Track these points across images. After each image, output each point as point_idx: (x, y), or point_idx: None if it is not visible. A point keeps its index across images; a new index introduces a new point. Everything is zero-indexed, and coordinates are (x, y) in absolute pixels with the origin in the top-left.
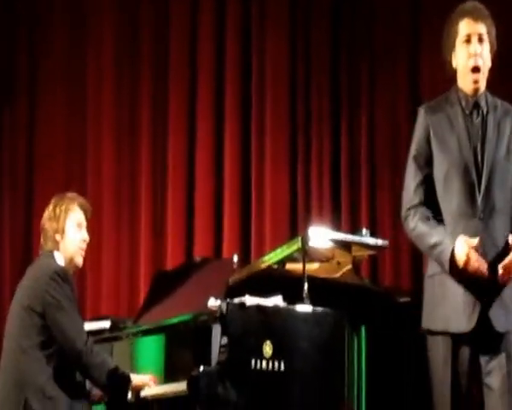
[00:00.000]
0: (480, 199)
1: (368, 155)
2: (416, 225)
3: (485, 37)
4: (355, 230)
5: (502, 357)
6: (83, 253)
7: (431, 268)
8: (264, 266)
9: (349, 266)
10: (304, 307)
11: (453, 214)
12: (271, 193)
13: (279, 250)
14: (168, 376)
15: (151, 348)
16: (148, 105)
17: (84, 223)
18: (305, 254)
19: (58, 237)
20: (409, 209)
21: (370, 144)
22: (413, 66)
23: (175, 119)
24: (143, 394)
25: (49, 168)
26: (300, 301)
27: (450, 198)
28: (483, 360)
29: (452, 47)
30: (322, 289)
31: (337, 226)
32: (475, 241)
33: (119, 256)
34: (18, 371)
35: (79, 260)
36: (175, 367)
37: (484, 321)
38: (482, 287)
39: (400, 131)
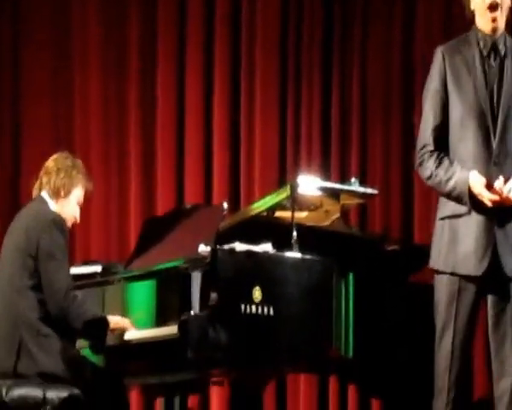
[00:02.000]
0: (495, 144)
1: (359, 103)
2: (432, 172)
3: None
4: (345, 179)
5: (511, 301)
6: (69, 226)
7: (443, 211)
8: (253, 213)
9: (337, 215)
10: (293, 254)
11: (468, 159)
12: (261, 141)
13: (268, 198)
14: (159, 320)
15: (142, 293)
16: (137, 45)
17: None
18: (294, 201)
19: (62, 193)
20: (423, 155)
21: (361, 93)
22: (408, 16)
23: (164, 67)
24: (137, 336)
25: (35, 112)
26: (289, 248)
27: (465, 142)
28: (491, 302)
29: None
30: (310, 237)
31: (327, 175)
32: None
33: (109, 202)
34: (12, 309)
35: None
36: (166, 312)
37: (494, 265)
38: (497, 221)
39: (392, 80)
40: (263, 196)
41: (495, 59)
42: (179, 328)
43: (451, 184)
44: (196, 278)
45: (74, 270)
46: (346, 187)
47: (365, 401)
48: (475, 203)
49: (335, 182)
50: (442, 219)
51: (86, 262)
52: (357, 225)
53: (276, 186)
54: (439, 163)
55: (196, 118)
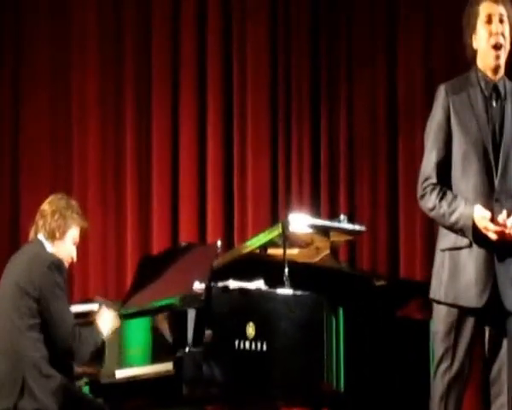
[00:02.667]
0: (497, 181)
1: (347, 142)
2: (435, 205)
3: (505, 18)
4: (334, 216)
5: (509, 336)
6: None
7: (443, 243)
8: (246, 250)
9: (327, 251)
10: (284, 290)
11: (470, 194)
12: (253, 180)
13: (261, 236)
14: (155, 356)
15: (138, 330)
16: (132, 89)
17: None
18: (286, 239)
19: (57, 234)
20: (426, 187)
21: (350, 132)
22: (391, 57)
23: (158, 114)
24: (132, 373)
25: (35, 160)
26: (281, 284)
27: (467, 179)
28: (488, 336)
29: (473, 29)
30: (301, 273)
31: (316, 212)
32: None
33: (106, 241)
34: (13, 349)
35: None
36: (162, 348)
37: (494, 298)
38: (497, 255)
39: (378, 119)
40: (255, 234)
41: (496, 100)
42: (174, 365)
43: (455, 216)
44: (191, 315)
45: (73, 308)
46: (335, 224)
47: None
48: (477, 237)
49: (325, 218)
50: (443, 250)
51: (83, 301)
52: (347, 261)
53: (268, 224)
54: (443, 196)
55: (190, 161)
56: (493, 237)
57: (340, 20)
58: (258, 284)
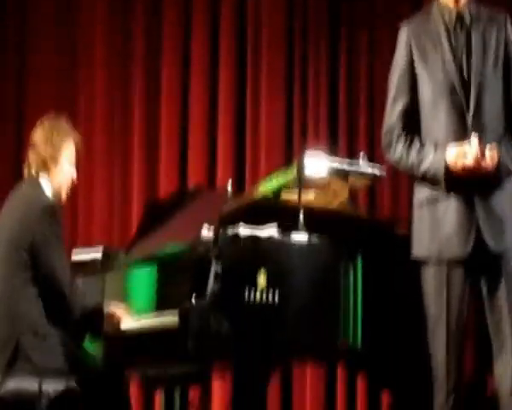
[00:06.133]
0: (470, 118)
1: (367, 77)
2: (402, 155)
3: None
4: (353, 154)
5: (501, 277)
6: (69, 190)
7: (419, 196)
8: (258, 195)
9: (346, 196)
10: (299, 237)
11: (442, 137)
12: (266, 118)
13: (274, 179)
14: (160, 307)
15: (143, 279)
16: (142, 36)
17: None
18: (301, 182)
19: (51, 163)
20: (391, 137)
21: (370, 67)
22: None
23: (169, 48)
24: (129, 326)
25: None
26: (296, 231)
27: (438, 121)
28: (483, 283)
29: None
30: (317, 220)
31: (334, 150)
32: (467, 145)
33: (112, 185)
34: (8, 308)
35: (64, 195)
36: (167, 299)
37: (479, 245)
38: (478, 199)
39: None
40: (268, 176)
41: (461, 30)
42: (179, 317)
43: (425, 164)
44: (198, 264)
45: (74, 256)
46: (353, 168)
47: (374, 392)
48: (452, 183)
49: (344, 157)
50: (419, 203)
51: (87, 247)
52: (366, 206)
53: (281, 166)
54: (410, 144)
55: (200, 98)
56: (470, 163)
57: None
58: (271, 231)
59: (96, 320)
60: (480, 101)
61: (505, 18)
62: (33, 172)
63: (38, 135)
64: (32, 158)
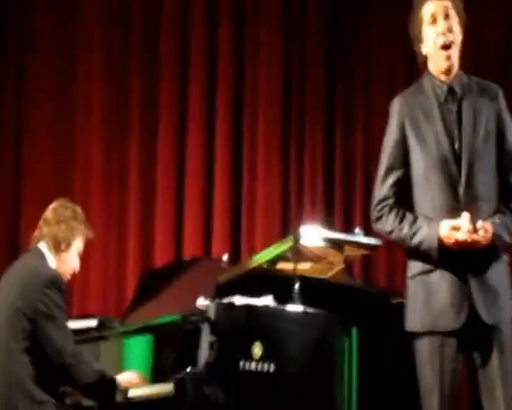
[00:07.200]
0: (462, 191)
1: (363, 152)
2: (394, 228)
3: (452, 11)
4: (348, 228)
5: (494, 349)
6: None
7: (412, 268)
8: (254, 265)
9: (341, 266)
10: (295, 308)
11: (435, 210)
12: (263, 190)
13: (270, 249)
14: (156, 377)
15: (139, 349)
16: (139, 99)
17: None
18: (297, 253)
19: (63, 246)
20: (382, 209)
21: (365, 141)
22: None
23: (165, 118)
24: (130, 394)
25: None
26: (291, 301)
27: (430, 194)
28: (475, 352)
29: (419, 35)
30: (313, 290)
31: (330, 224)
32: (459, 220)
33: (107, 255)
34: (5, 373)
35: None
36: (163, 368)
37: (472, 317)
38: (471, 271)
39: None
40: (265, 247)
41: (453, 103)
42: (175, 386)
43: (418, 238)
44: (194, 334)
45: (70, 324)
46: (349, 237)
47: None
48: (446, 257)
49: (339, 231)
50: (413, 276)
51: (82, 316)
52: (361, 277)
53: (278, 237)
54: (402, 217)
55: (196, 169)
56: (463, 238)
57: (357, 31)
58: (267, 301)
59: (109, 391)
60: (471, 172)
61: (497, 90)
62: (41, 246)
63: (58, 214)
64: (44, 231)
